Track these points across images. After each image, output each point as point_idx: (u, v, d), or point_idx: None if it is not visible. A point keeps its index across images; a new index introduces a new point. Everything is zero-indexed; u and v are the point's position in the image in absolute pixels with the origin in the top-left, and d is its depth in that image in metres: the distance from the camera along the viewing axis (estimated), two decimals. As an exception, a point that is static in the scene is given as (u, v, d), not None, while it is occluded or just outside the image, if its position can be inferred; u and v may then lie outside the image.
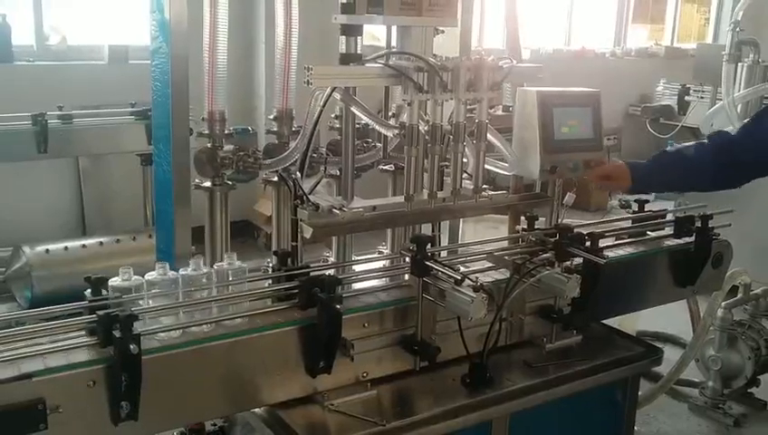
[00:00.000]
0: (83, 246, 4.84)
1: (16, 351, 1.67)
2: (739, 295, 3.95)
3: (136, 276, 1.88)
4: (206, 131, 2.48)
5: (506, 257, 2.30)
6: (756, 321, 4.02)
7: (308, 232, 2.12)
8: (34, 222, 5.19)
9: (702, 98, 7.13)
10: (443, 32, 2.37)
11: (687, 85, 7.67)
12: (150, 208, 5.20)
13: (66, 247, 4.76)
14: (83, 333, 1.74)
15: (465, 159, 2.40)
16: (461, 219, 4.36)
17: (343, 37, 2.30)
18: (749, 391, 4.07)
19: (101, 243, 4.88)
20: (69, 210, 5.55)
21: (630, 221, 2.90)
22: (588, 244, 2.36)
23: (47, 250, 4.69)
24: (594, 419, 2.50)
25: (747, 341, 3.93)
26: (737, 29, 5.42)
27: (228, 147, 2.49)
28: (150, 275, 1.91)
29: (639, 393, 3.77)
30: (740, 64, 5.52)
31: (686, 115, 7.50)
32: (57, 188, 5.53)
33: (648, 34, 9.86)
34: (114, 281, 1.86)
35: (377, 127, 2.31)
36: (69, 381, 1.66)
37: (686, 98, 7.65)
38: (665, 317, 4.57)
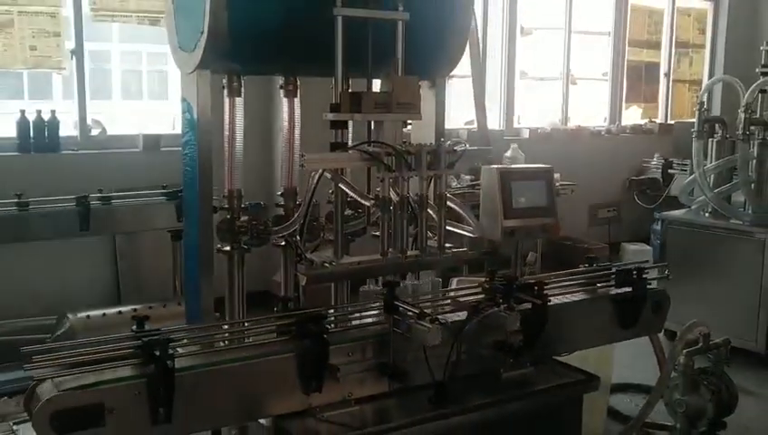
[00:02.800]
0: (119, 312, 5.34)
1: (83, 367, 2.24)
2: (700, 344, 4.42)
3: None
4: (227, 205, 3.10)
5: (466, 302, 2.85)
6: (718, 367, 4.47)
7: (303, 280, 2.69)
8: (76, 292, 5.75)
9: (683, 170, 7.68)
10: (411, 123, 2.99)
11: (670, 159, 8.27)
12: (179, 279, 5.73)
13: (104, 314, 5.27)
14: (132, 355, 2.31)
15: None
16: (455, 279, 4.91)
17: (332, 130, 2.93)
18: (717, 432, 4.49)
19: (135, 310, 5.37)
20: (106, 281, 6.12)
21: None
22: (536, 290, 2.92)
23: (88, 316, 5.21)
24: (544, 435, 3.00)
25: (709, 385, 4.37)
26: (703, 109, 6.00)
27: (244, 218, 3.09)
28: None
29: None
30: (711, 140, 6.07)
31: (669, 186, 8.07)
32: (96, 261, 6.10)
33: (642, 112, 10.46)
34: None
35: (358, 199, 2.90)
36: (120, 390, 2.20)
37: (670, 171, 8.24)
38: (641, 370, 5.05)
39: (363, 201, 2.92)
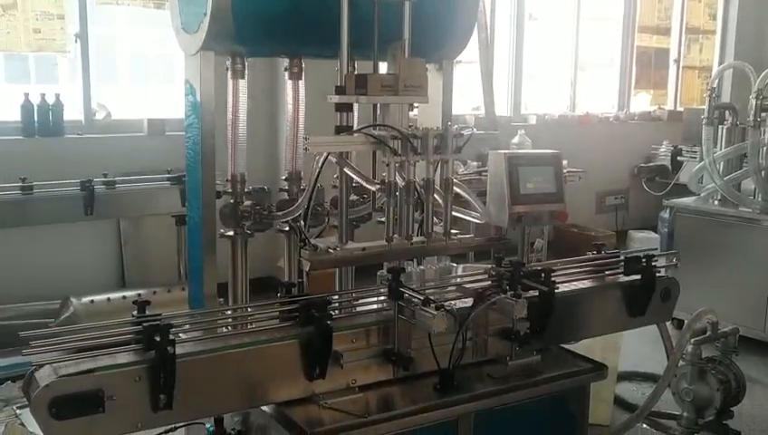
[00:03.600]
0: (123, 297, 5.36)
1: (83, 353, 2.21)
2: (708, 333, 4.37)
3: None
4: (230, 190, 3.06)
5: (472, 288, 2.80)
6: (726, 356, 4.42)
7: (307, 266, 2.65)
8: (80, 276, 5.73)
9: (692, 157, 7.59)
10: (417, 106, 2.94)
11: (680, 146, 8.20)
12: (183, 264, 5.73)
13: (108, 299, 5.30)
14: (132, 340, 2.28)
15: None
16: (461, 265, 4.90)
17: (337, 113, 2.88)
18: (724, 422, 4.45)
19: (139, 294, 5.38)
20: (111, 266, 6.11)
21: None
22: (543, 277, 2.87)
23: (92, 301, 5.23)
24: (550, 424, 2.95)
25: (717, 375, 4.32)
26: (714, 95, 5.93)
27: (247, 202, 3.05)
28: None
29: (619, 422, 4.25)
30: (721, 127, 6.00)
31: (678, 173, 8.01)
32: (100, 246, 6.09)
33: (651, 99, 10.37)
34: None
35: (363, 183, 2.86)
36: (121, 376, 2.17)
37: (679, 158, 8.17)
38: (648, 359, 5.02)
39: (368, 186, 2.88)
